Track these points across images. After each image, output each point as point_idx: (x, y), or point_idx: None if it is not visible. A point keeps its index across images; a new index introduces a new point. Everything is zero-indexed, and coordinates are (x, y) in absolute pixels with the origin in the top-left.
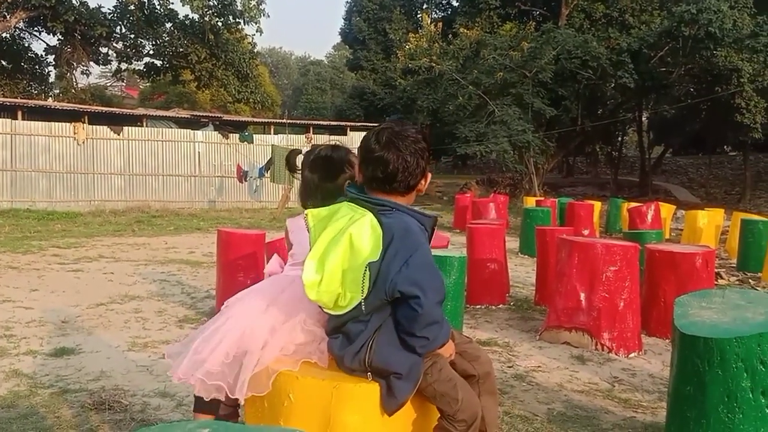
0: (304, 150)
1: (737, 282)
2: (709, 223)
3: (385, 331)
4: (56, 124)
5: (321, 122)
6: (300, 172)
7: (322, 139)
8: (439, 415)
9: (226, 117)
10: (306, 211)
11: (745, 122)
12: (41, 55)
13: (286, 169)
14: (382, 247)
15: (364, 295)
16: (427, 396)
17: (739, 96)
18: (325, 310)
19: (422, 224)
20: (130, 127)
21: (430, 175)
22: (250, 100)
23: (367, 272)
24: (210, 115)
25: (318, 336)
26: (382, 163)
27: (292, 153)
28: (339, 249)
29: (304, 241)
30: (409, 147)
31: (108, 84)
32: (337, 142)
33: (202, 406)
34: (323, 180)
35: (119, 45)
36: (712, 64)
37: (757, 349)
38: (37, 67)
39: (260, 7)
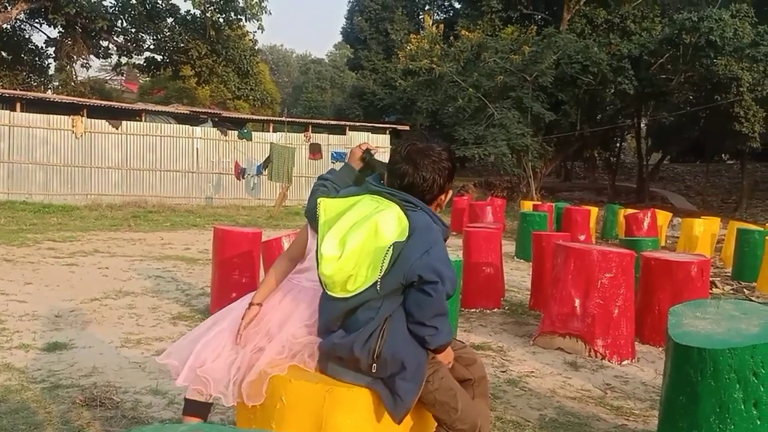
0: (304, 148)
1: (732, 291)
2: (705, 232)
3: (395, 322)
4: (55, 116)
5: (320, 121)
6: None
7: (321, 138)
8: (435, 424)
9: (225, 114)
10: (319, 200)
11: (744, 131)
12: (41, 47)
13: (286, 168)
14: (407, 236)
15: (382, 274)
16: (426, 403)
17: (738, 105)
18: (330, 292)
19: (440, 230)
20: (128, 122)
21: (451, 192)
22: (250, 97)
23: (390, 251)
24: (209, 111)
25: (313, 342)
26: (399, 176)
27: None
28: (362, 231)
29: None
30: (428, 165)
31: (108, 78)
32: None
33: (192, 409)
34: None
35: (120, 39)
36: (712, 72)
37: (750, 360)
38: (37, 59)
39: (262, 4)
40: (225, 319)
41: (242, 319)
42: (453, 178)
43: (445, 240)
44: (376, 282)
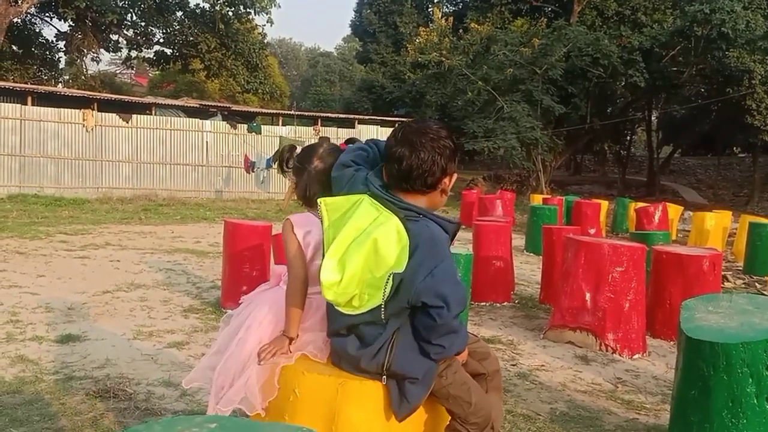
0: (313, 141)
1: (743, 285)
2: (717, 225)
3: (403, 335)
4: (66, 110)
5: (329, 114)
6: (292, 169)
7: (330, 132)
8: (448, 416)
9: (234, 107)
10: (320, 200)
11: (756, 124)
12: (52, 41)
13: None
14: (408, 256)
15: (384, 299)
16: (439, 398)
17: (750, 97)
18: (336, 307)
19: (446, 230)
20: (138, 115)
21: (455, 175)
22: (259, 90)
23: (390, 281)
24: (218, 105)
25: (315, 339)
26: (396, 160)
27: (289, 148)
28: (362, 252)
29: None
30: (426, 144)
31: (117, 71)
32: (320, 138)
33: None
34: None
35: (130, 32)
36: (723, 64)
37: (763, 354)
38: (47, 52)
39: None
40: (234, 338)
41: (270, 345)
42: (456, 159)
43: (455, 235)
44: (380, 307)
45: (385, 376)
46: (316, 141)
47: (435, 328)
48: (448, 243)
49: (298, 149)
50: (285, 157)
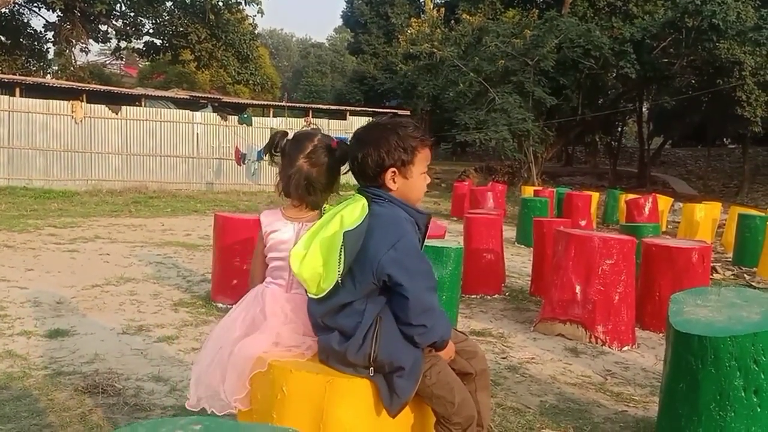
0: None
1: (732, 276)
2: (706, 217)
3: (386, 324)
4: (54, 101)
5: (321, 106)
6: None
7: (322, 123)
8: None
9: (225, 99)
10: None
11: (746, 115)
12: (40, 31)
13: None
14: (370, 231)
15: (341, 269)
16: (423, 397)
17: (741, 89)
18: (309, 294)
19: (415, 220)
20: (128, 107)
21: (412, 165)
22: (250, 81)
23: (344, 244)
24: (209, 96)
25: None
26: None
27: (279, 134)
28: (330, 227)
29: (283, 240)
30: (353, 146)
31: (107, 62)
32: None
33: None
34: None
35: (119, 23)
36: (714, 56)
37: (751, 348)
38: (36, 43)
39: None
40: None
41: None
42: (418, 138)
43: (427, 225)
44: (338, 278)
45: (372, 369)
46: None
47: (408, 305)
48: (412, 226)
49: (290, 135)
50: (276, 142)
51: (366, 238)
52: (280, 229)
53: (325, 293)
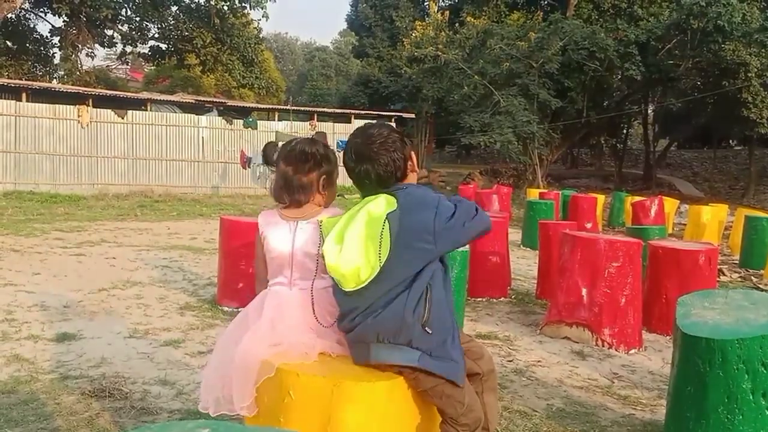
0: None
1: (739, 279)
2: (713, 219)
3: (435, 291)
4: (60, 106)
5: (325, 109)
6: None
7: (327, 127)
8: (440, 418)
9: (230, 103)
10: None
11: (752, 117)
12: (46, 36)
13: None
14: (409, 209)
15: (382, 255)
16: (432, 396)
17: (746, 90)
18: (346, 288)
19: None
20: (134, 111)
21: (414, 154)
22: (255, 85)
23: (387, 223)
24: (214, 100)
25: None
26: (364, 176)
27: (269, 146)
28: (358, 221)
29: (278, 239)
30: (379, 150)
31: (112, 67)
32: (316, 133)
33: None
34: (296, 173)
35: (124, 27)
36: (719, 57)
37: (759, 351)
38: (42, 48)
39: None
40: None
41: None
42: (405, 142)
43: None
44: (380, 264)
45: (427, 328)
46: (313, 135)
47: (461, 209)
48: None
49: (279, 145)
50: (269, 154)
51: (405, 216)
52: (275, 227)
53: (365, 284)
